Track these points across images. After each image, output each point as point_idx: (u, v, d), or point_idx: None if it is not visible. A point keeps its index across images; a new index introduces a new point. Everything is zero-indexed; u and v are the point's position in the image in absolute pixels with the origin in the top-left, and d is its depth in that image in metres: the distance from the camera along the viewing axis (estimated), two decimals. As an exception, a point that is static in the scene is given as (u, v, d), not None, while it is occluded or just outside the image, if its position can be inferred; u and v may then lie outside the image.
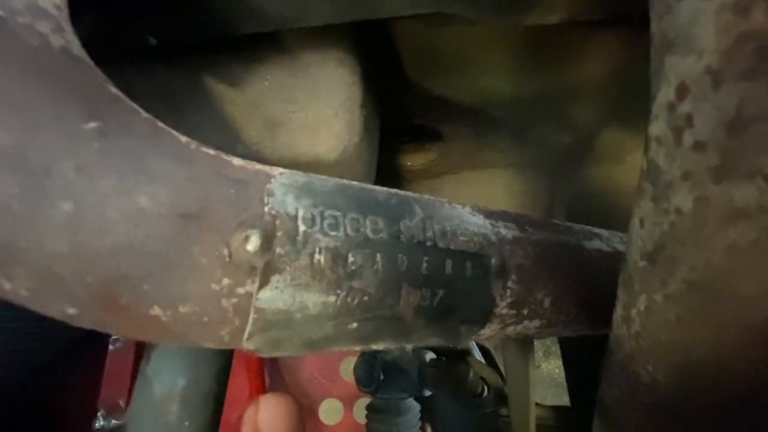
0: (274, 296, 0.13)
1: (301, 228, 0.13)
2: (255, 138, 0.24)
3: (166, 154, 0.13)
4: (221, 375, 0.21)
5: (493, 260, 0.19)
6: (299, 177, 0.15)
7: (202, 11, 0.20)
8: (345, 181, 0.16)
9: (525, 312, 0.20)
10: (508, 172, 0.44)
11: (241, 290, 0.13)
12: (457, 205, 0.19)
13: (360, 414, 0.86)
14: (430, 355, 0.92)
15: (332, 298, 0.14)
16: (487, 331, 0.20)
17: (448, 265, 0.17)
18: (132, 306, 0.12)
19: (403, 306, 0.16)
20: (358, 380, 0.75)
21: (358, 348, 0.16)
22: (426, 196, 0.18)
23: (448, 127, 0.37)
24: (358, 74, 0.24)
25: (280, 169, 0.15)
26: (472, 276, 0.18)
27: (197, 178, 0.13)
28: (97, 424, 0.46)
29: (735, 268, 0.11)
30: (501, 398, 0.54)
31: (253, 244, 0.12)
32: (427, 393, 0.90)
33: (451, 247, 0.17)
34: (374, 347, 0.16)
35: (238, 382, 0.79)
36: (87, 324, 0.12)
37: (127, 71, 0.22)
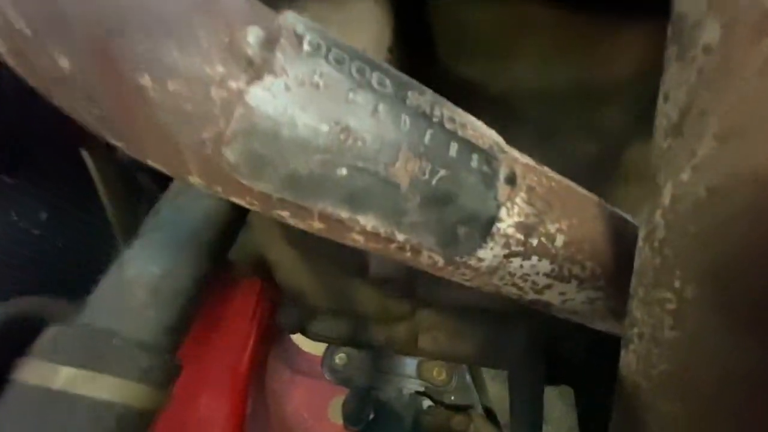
0: (265, 97, 0.12)
1: (306, 48, 0.13)
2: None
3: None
4: (198, 279, 0.20)
5: (502, 166, 0.17)
6: (316, 23, 0.15)
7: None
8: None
9: (534, 243, 0.18)
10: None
11: (232, 84, 0.12)
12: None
13: (344, 462, 0.77)
14: (427, 402, 0.84)
15: (324, 127, 0.13)
16: (489, 254, 0.18)
17: (453, 148, 0.16)
18: (123, 67, 0.12)
19: (399, 169, 0.15)
20: (346, 417, 0.70)
21: (344, 214, 0.15)
22: (442, 97, 0.18)
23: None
24: (390, 18, 0.25)
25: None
26: (477, 169, 0.16)
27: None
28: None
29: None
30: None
31: (254, 36, 0.12)
32: (423, 443, 0.81)
33: (459, 133, 0.16)
34: (362, 221, 0.15)
35: (218, 402, 0.74)
36: (73, 88, 0.12)
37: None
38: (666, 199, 0.14)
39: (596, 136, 0.37)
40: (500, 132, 0.41)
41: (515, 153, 0.19)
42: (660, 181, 0.14)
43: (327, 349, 0.64)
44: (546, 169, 0.21)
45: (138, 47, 0.12)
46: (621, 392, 0.18)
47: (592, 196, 0.22)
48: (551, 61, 0.32)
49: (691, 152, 0.12)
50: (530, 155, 0.43)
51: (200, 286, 0.21)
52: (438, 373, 0.91)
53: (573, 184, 0.22)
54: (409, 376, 0.81)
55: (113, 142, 0.14)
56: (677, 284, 0.14)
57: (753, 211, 0.11)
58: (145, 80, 0.12)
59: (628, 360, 0.17)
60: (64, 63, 0.12)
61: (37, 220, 0.62)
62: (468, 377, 0.88)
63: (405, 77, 0.16)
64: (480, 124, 0.18)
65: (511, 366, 0.52)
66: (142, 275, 0.19)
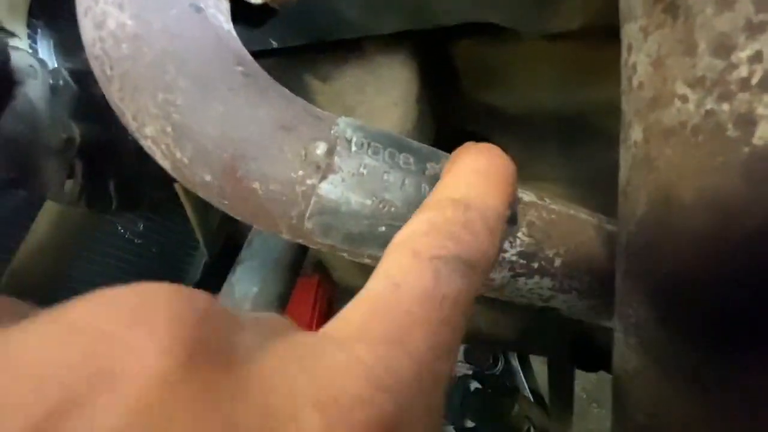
0: (329, 189, 0.19)
1: (354, 148, 0.20)
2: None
3: (278, 91, 0.20)
4: (285, 290, 0.27)
5: (504, 209, 0.23)
6: (358, 121, 0.21)
7: (308, 22, 0.28)
8: (392, 131, 0.22)
9: (535, 266, 0.24)
10: (557, 187, 0.46)
11: (309, 181, 0.19)
12: None
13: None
14: (475, 385, 0.90)
15: (368, 202, 0.20)
16: (498, 276, 0.23)
17: (463, 202, 0.21)
18: (243, 178, 0.19)
19: (423, 223, 0.20)
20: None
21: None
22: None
23: (499, 137, 0.42)
24: (417, 75, 0.31)
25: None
26: (483, 216, 0.22)
27: (294, 107, 0.20)
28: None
29: (675, 181, 0.15)
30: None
31: (321, 150, 0.19)
32: (469, 424, 0.87)
33: (468, 189, 0.22)
34: (398, 259, 0.21)
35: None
36: (213, 191, 0.19)
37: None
38: (623, 239, 0.18)
39: (615, 142, 0.40)
40: (523, 149, 0.45)
41: (519, 193, 0.24)
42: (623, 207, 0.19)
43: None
44: (548, 202, 0.25)
45: (251, 165, 0.18)
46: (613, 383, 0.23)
47: (592, 220, 0.26)
48: (567, 87, 0.35)
49: (632, 213, 0.17)
50: (556, 167, 0.47)
51: (285, 297, 0.28)
52: (485, 357, 0.96)
53: (573, 212, 0.26)
54: (458, 360, 0.86)
55: (233, 216, 0.21)
56: (635, 303, 0.18)
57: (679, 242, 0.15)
58: (256, 185, 0.19)
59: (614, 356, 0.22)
60: (207, 178, 0.19)
61: (137, 230, 0.75)
62: (515, 362, 0.92)
63: (425, 150, 0.22)
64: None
65: (547, 352, 0.56)
66: (246, 294, 0.27)
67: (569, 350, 0.50)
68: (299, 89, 0.31)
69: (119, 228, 0.69)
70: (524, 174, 0.47)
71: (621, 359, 0.21)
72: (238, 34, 0.23)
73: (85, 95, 0.38)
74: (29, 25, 0.39)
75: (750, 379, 0.16)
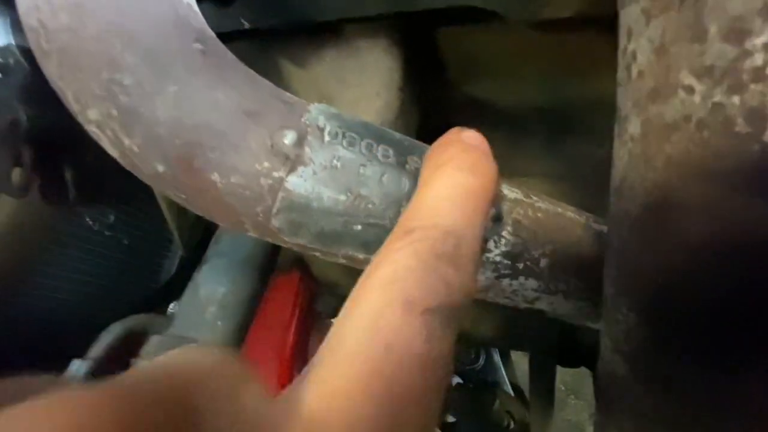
0: (299, 183, 0.17)
1: (326, 138, 0.18)
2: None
3: (243, 73, 0.18)
4: (255, 291, 0.25)
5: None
6: (332, 109, 0.19)
7: (283, 2, 0.26)
8: (369, 121, 0.20)
9: (520, 266, 0.22)
10: (544, 183, 0.45)
11: (275, 174, 0.17)
12: None
13: None
14: (456, 380, 0.90)
15: (342, 197, 0.18)
16: (482, 278, 0.22)
17: (446, 199, 0.20)
18: (200, 169, 0.17)
19: (401, 221, 0.19)
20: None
21: (361, 256, 0.19)
22: None
23: (484, 130, 0.40)
24: (400, 63, 0.29)
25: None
26: (467, 214, 0.20)
27: (260, 92, 0.18)
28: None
29: (675, 182, 0.13)
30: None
31: (289, 139, 0.17)
32: (450, 419, 0.87)
33: (451, 185, 0.20)
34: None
35: (268, 376, 0.83)
36: (167, 183, 0.17)
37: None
38: (614, 241, 0.17)
39: (600, 139, 0.39)
40: (510, 143, 0.44)
41: (504, 190, 0.23)
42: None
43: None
44: (535, 199, 0.24)
45: (209, 155, 0.16)
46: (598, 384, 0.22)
47: (579, 219, 0.25)
48: (554, 80, 0.34)
49: (626, 213, 0.16)
50: (542, 162, 0.46)
51: (256, 299, 0.26)
52: (466, 352, 0.96)
53: (561, 210, 0.25)
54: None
55: (193, 211, 0.19)
56: (624, 309, 0.17)
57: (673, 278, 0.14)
58: (215, 177, 0.17)
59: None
60: (160, 168, 0.17)
61: (107, 223, 0.72)
62: (497, 357, 0.93)
63: (406, 142, 0.20)
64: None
65: (529, 349, 0.56)
66: (212, 294, 0.25)
67: (552, 347, 0.50)
68: (272, 74, 0.29)
69: (87, 219, 0.65)
70: (509, 169, 0.46)
71: (607, 366, 0.20)
72: (206, 12, 0.21)
73: (38, 76, 0.34)
74: (-20, 0, 0.36)
75: (740, 390, 0.15)
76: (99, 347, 0.26)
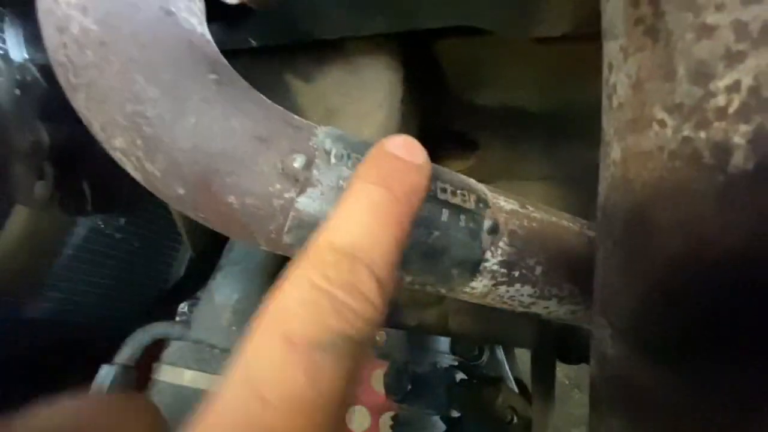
0: (308, 203, 0.18)
1: (333, 161, 0.19)
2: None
3: (254, 100, 0.19)
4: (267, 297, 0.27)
5: (486, 220, 0.22)
6: (338, 131, 0.20)
7: (289, 21, 0.27)
8: (373, 133, 0.21)
9: (516, 274, 0.24)
10: (543, 186, 0.46)
11: (287, 195, 0.18)
12: (465, 177, 0.24)
13: (385, 427, 0.87)
14: (461, 376, 0.92)
15: (349, 215, 0.19)
16: (480, 285, 0.23)
17: (445, 213, 0.21)
18: (218, 192, 0.18)
19: (404, 236, 0.20)
20: (387, 387, 0.77)
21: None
22: (438, 165, 0.23)
23: (484, 136, 0.42)
24: (400, 77, 0.30)
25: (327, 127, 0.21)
26: (465, 227, 0.22)
27: (271, 117, 0.19)
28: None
29: (651, 203, 0.15)
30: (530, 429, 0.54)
31: (299, 162, 0.18)
32: (455, 414, 0.89)
33: (450, 200, 0.22)
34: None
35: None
36: (187, 205, 0.19)
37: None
38: (600, 255, 0.18)
39: (597, 142, 0.40)
40: (507, 149, 0.45)
41: (501, 202, 0.24)
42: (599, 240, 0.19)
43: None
44: (530, 209, 0.25)
45: (226, 179, 0.18)
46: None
47: (573, 227, 0.27)
48: (552, 87, 0.35)
49: (609, 233, 0.17)
50: (542, 165, 0.47)
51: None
52: (470, 349, 0.98)
53: (555, 219, 0.26)
54: (443, 352, 0.87)
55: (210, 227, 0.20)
56: (610, 316, 0.19)
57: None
58: (231, 199, 0.18)
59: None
60: (180, 191, 0.18)
61: (117, 225, 0.74)
62: (500, 352, 0.94)
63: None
64: (470, 183, 0.23)
65: (530, 345, 0.57)
66: (227, 301, 0.26)
67: (552, 344, 0.51)
68: (280, 89, 0.30)
69: (99, 223, 0.67)
70: (511, 173, 0.47)
71: (597, 365, 0.22)
72: (215, 32, 0.22)
73: (55, 93, 0.36)
74: (-5, 16, 0.37)
75: (720, 399, 0.16)
76: (125, 353, 0.27)
